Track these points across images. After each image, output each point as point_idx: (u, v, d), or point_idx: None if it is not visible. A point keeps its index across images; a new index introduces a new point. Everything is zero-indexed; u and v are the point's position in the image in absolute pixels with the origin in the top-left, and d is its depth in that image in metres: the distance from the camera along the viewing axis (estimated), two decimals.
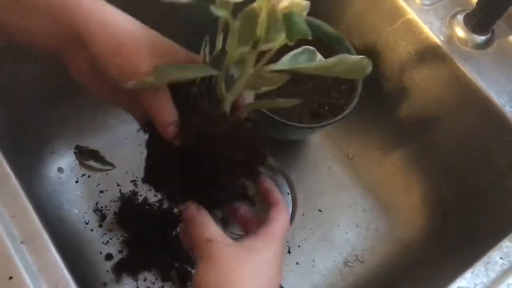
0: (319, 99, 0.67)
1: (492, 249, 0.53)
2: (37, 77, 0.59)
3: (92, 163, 0.66)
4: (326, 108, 0.66)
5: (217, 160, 0.39)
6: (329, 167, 0.75)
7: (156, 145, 0.42)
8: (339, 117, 0.64)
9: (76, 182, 0.65)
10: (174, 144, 0.39)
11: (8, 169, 0.45)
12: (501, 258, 0.52)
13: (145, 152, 0.67)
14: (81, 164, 0.66)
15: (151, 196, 0.66)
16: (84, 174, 0.66)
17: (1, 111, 0.55)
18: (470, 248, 0.60)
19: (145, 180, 0.44)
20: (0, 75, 0.53)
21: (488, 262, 0.52)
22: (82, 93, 0.64)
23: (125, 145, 0.68)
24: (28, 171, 0.61)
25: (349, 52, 0.67)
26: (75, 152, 0.66)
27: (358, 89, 0.65)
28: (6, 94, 0.55)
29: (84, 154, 0.66)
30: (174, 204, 0.45)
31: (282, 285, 0.63)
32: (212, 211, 0.42)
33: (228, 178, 0.41)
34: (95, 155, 0.66)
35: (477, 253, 0.53)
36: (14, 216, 0.43)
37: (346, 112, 0.64)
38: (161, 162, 0.42)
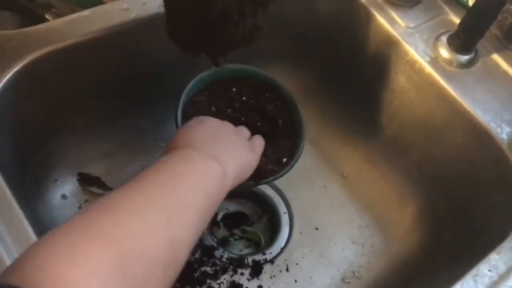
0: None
1: (480, 262, 0.54)
2: (40, 110, 0.61)
3: (94, 189, 0.68)
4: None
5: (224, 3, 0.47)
6: (324, 186, 0.77)
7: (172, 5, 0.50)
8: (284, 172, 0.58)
9: (79, 207, 0.67)
10: None
11: (11, 198, 0.47)
12: (489, 270, 0.53)
13: None
14: (84, 190, 0.68)
15: None
16: (87, 200, 0.68)
17: (5, 142, 0.57)
18: (461, 262, 0.61)
19: (168, 35, 0.52)
20: (6, 108, 0.56)
21: (476, 275, 0.53)
22: (83, 124, 0.68)
23: (125, 171, 0.71)
24: (33, 199, 0.63)
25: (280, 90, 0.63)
26: (77, 179, 0.68)
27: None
28: (11, 126, 0.58)
29: (87, 181, 0.68)
30: (189, 55, 0.53)
31: None
32: (218, 57, 0.53)
33: (230, 25, 0.49)
34: (97, 182, 0.69)
35: (467, 266, 0.54)
36: (18, 243, 0.45)
37: (290, 165, 0.58)
38: (177, 19, 0.50)
